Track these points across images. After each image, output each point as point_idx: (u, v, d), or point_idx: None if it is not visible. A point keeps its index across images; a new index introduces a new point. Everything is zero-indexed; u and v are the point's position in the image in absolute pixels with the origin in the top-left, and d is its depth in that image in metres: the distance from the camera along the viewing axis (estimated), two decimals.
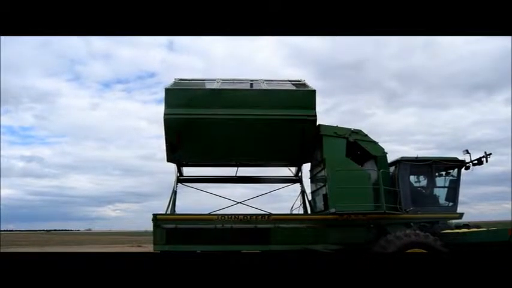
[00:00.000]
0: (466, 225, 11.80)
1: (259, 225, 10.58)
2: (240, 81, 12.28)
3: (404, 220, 11.05)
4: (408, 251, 9.58)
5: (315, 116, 10.97)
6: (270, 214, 11.00)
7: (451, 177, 11.90)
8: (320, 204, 11.93)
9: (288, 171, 13.50)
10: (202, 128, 10.94)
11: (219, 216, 10.69)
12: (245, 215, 10.75)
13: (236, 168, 13.16)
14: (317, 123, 11.27)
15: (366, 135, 11.67)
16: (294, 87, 11.75)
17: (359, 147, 11.57)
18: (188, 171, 13.29)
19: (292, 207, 12.70)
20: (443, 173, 11.99)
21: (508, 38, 6.26)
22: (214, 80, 12.01)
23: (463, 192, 11.92)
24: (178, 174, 12.62)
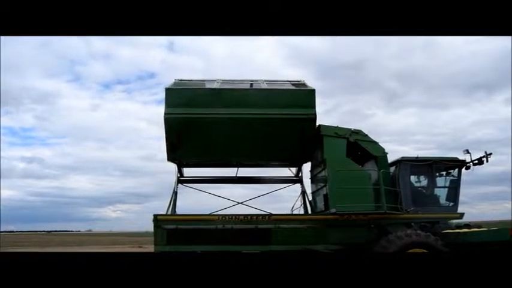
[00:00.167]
0: (467, 225, 11.80)
1: (259, 226, 10.59)
2: (240, 81, 12.29)
3: (405, 220, 11.05)
4: (409, 251, 9.59)
5: (315, 114, 10.97)
6: (271, 214, 11.00)
7: (451, 177, 11.90)
8: (320, 205, 11.93)
9: (288, 172, 13.51)
10: (203, 127, 10.95)
11: (220, 217, 10.70)
12: (246, 216, 10.75)
13: (236, 168, 13.18)
14: (317, 124, 11.29)
15: (366, 135, 11.68)
16: (293, 88, 11.76)
17: (359, 147, 11.58)
18: (189, 171, 13.30)
19: (292, 208, 12.72)
20: (444, 173, 11.99)
21: (508, 38, 6.26)
22: (214, 80, 12.03)
23: (464, 192, 11.94)
24: (178, 175, 12.61)
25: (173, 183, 12.34)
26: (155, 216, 10.53)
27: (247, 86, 11.79)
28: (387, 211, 10.48)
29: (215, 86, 11.50)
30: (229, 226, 10.50)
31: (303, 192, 13.06)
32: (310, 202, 12.89)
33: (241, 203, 12.29)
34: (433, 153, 12.35)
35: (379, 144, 11.74)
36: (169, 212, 11.44)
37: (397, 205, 10.96)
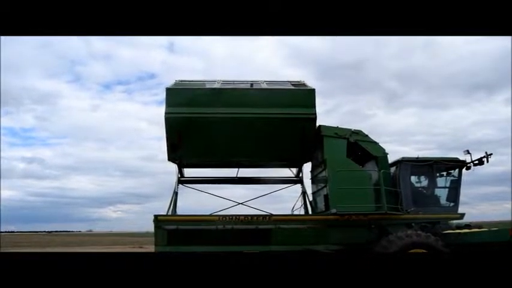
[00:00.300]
0: (467, 226, 11.79)
1: (260, 226, 10.58)
2: (240, 82, 12.31)
3: (405, 220, 11.04)
4: (409, 251, 9.58)
5: (315, 114, 10.99)
6: (271, 215, 11.00)
7: (452, 178, 11.89)
8: (321, 205, 11.93)
9: (288, 172, 13.52)
10: (203, 127, 10.97)
11: (220, 217, 10.69)
12: (246, 216, 10.75)
13: (237, 169, 13.18)
14: (318, 124, 11.30)
15: (367, 135, 11.69)
16: (293, 88, 11.78)
17: (360, 147, 11.58)
18: (189, 172, 13.31)
19: (293, 208, 12.72)
20: (444, 173, 11.98)
21: (508, 38, 6.26)
22: (215, 81, 12.05)
23: (464, 193, 11.93)
24: (179, 175, 12.61)
25: (174, 184, 12.34)
26: (156, 216, 10.53)
27: (248, 86, 11.80)
28: (388, 211, 10.47)
29: (215, 86, 11.52)
30: (229, 226, 10.50)
31: (304, 193, 13.06)
32: (310, 202, 12.89)
33: (241, 203, 12.30)
34: (433, 154, 12.33)
35: (380, 144, 11.74)
36: (169, 213, 11.44)
37: (397, 205, 10.96)
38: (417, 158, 11.68)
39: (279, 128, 11.00)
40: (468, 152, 11.36)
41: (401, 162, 11.63)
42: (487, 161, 11.11)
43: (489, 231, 10.42)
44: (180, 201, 12.16)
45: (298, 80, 12.46)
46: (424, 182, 12.07)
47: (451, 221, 11.80)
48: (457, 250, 9.88)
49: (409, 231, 10.08)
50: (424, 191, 12.02)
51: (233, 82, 12.22)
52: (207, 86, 11.68)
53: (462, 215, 11.58)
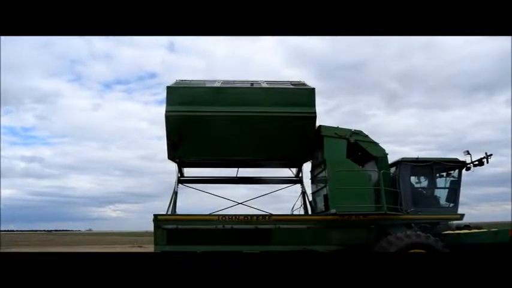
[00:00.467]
0: (467, 226, 11.78)
1: (259, 226, 10.59)
2: (241, 82, 12.32)
3: (405, 221, 11.03)
4: (409, 252, 9.57)
5: (315, 113, 11.01)
6: (271, 215, 11.01)
7: (451, 178, 11.88)
8: (321, 205, 11.93)
9: (288, 172, 13.53)
10: (203, 125, 11.00)
11: (220, 217, 10.70)
12: (246, 216, 10.76)
13: (237, 169, 13.18)
14: (318, 124, 11.31)
15: (367, 136, 11.69)
16: (294, 87, 11.80)
17: (360, 148, 11.59)
18: (189, 172, 13.31)
19: (292, 208, 12.73)
20: (444, 174, 11.98)
21: (508, 38, 6.26)
22: (215, 81, 12.06)
23: (464, 193, 11.93)
24: (179, 175, 12.62)
25: (173, 183, 12.35)
26: (155, 216, 10.54)
27: (248, 86, 11.82)
28: (387, 212, 10.48)
29: (216, 85, 11.56)
30: (229, 226, 10.51)
31: (303, 193, 13.07)
32: (310, 202, 12.89)
33: (241, 203, 12.31)
34: (433, 154, 12.32)
35: (380, 145, 11.74)
36: (169, 212, 11.44)
37: (397, 206, 10.96)
38: (417, 158, 11.68)
39: (279, 126, 11.02)
40: (468, 153, 11.36)
41: (401, 163, 11.62)
42: (487, 162, 11.11)
43: (489, 232, 10.42)
44: (180, 201, 12.19)
45: (298, 80, 12.47)
46: (424, 182, 12.06)
47: (451, 222, 11.79)
48: (457, 251, 9.87)
49: (408, 232, 10.08)
50: (424, 192, 12.02)
51: (233, 82, 12.23)
52: (208, 85, 11.70)
53: (462, 216, 11.59)
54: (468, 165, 11.49)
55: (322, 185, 11.72)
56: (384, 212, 10.45)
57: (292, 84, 12.08)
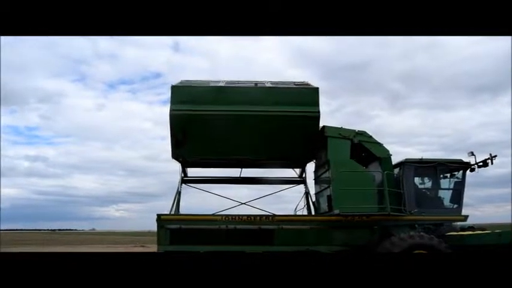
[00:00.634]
0: (471, 228, 11.74)
1: (263, 226, 10.59)
2: (245, 82, 12.32)
3: (408, 222, 11.01)
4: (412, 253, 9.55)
5: (318, 112, 11.01)
6: (274, 215, 11.01)
7: (455, 179, 11.84)
8: (324, 206, 11.92)
9: (292, 173, 13.52)
10: (207, 124, 11.02)
11: (223, 217, 10.71)
12: (249, 216, 10.76)
13: (240, 169, 13.18)
14: (322, 125, 11.30)
15: (371, 136, 11.67)
16: (297, 87, 11.81)
17: (363, 148, 11.57)
18: (192, 172, 13.32)
19: (296, 209, 12.74)
20: (448, 175, 11.94)
21: (508, 38, 6.25)
22: (219, 81, 12.08)
23: (468, 194, 11.89)
24: (182, 175, 12.64)
25: (177, 183, 12.36)
26: (159, 216, 10.55)
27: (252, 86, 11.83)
28: (391, 213, 10.45)
29: (220, 85, 11.57)
30: (232, 226, 10.51)
31: (307, 193, 13.07)
32: (313, 203, 12.89)
33: (244, 203, 12.32)
34: (437, 155, 12.29)
35: (383, 145, 11.72)
36: (172, 212, 11.45)
37: (400, 207, 10.93)
38: (421, 159, 11.65)
39: (283, 126, 11.03)
40: (472, 154, 11.32)
41: (405, 164, 11.60)
42: (492, 163, 11.06)
43: (492, 233, 10.38)
44: (183, 201, 12.22)
45: (302, 81, 12.46)
46: (428, 183, 12.03)
47: (455, 223, 11.76)
48: (459, 252, 9.84)
49: (412, 233, 10.07)
50: (428, 193, 11.99)
51: (237, 82, 12.24)
52: (212, 85, 11.72)
53: (466, 217, 11.55)
54: (472, 167, 11.46)
55: (326, 185, 11.71)
56: (387, 213, 10.42)
57: (295, 85, 12.08)
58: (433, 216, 11.31)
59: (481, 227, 11.73)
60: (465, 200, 11.73)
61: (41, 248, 36.44)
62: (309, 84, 11.97)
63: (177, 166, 12.44)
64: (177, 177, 12.49)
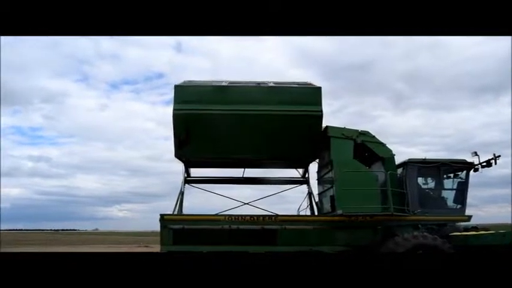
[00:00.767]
0: (475, 228, 11.71)
1: (266, 226, 10.58)
2: (247, 82, 12.33)
3: (412, 222, 10.98)
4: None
5: (321, 111, 11.02)
6: (277, 215, 11.01)
7: (459, 180, 11.81)
8: (327, 206, 11.90)
9: (295, 173, 13.52)
10: (210, 123, 11.04)
11: (226, 217, 10.71)
12: (252, 216, 10.76)
13: (243, 169, 13.19)
14: (325, 125, 11.30)
15: (374, 136, 11.66)
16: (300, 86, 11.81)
17: (367, 148, 11.56)
18: (195, 172, 13.33)
19: (299, 209, 12.72)
20: (452, 175, 11.91)
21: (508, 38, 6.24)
22: (222, 81, 12.09)
23: (471, 195, 11.84)
24: (185, 175, 12.66)
25: (180, 184, 12.38)
26: (162, 216, 10.57)
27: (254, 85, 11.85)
28: (394, 213, 10.44)
29: (223, 85, 11.60)
30: (235, 226, 10.51)
31: (310, 193, 13.05)
32: (316, 203, 12.88)
33: (247, 203, 12.33)
34: (440, 155, 12.27)
35: (387, 145, 11.70)
36: (175, 212, 11.47)
37: (404, 207, 10.92)
38: (424, 159, 11.62)
39: (285, 125, 11.05)
40: (476, 154, 11.28)
41: (408, 164, 11.57)
42: (495, 163, 11.02)
43: (496, 233, 10.36)
44: (186, 201, 12.22)
45: (304, 81, 12.46)
46: (431, 183, 12.00)
47: (459, 223, 11.73)
48: (463, 252, 9.82)
49: (415, 233, 10.05)
50: (431, 193, 11.96)
51: (240, 83, 12.25)
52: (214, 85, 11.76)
53: (469, 217, 11.51)
54: (476, 167, 11.42)
55: (329, 185, 11.70)
56: (390, 213, 10.41)
57: (298, 85, 12.08)
58: (436, 217, 11.28)
59: (485, 228, 11.71)
60: (469, 200, 11.70)
61: (44, 248, 36.54)
62: (312, 84, 11.97)
63: (180, 166, 12.47)
64: (180, 178, 12.52)
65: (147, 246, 36.33)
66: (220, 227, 10.52)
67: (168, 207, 12.06)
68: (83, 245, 45.51)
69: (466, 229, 11.57)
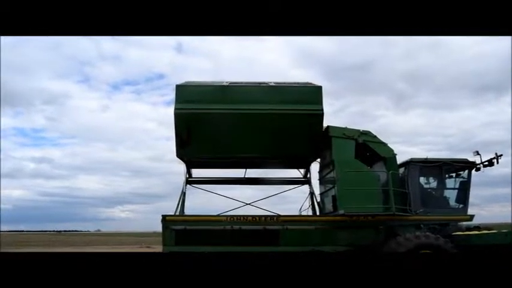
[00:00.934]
0: (477, 227, 11.69)
1: (268, 227, 10.58)
2: (248, 83, 12.33)
3: (414, 222, 10.98)
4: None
5: (322, 110, 11.02)
6: (279, 215, 11.01)
7: (461, 179, 11.80)
8: (329, 206, 11.90)
9: (296, 173, 13.51)
10: (211, 122, 11.05)
11: (228, 218, 10.72)
12: (254, 216, 10.77)
13: (245, 169, 13.19)
14: (326, 125, 11.29)
15: (375, 136, 11.65)
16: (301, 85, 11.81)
17: (368, 148, 11.56)
18: (197, 172, 13.33)
19: (300, 209, 12.71)
20: (453, 174, 11.89)
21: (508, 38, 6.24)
22: (223, 82, 12.10)
23: (474, 194, 11.83)
24: (187, 176, 12.65)
25: (182, 184, 12.37)
26: (164, 216, 10.57)
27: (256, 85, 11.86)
28: (396, 213, 10.42)
29: (224, 84, 11.62)
30: (237, 227, 10.51)
31: (311, 194, 13.04)
32: (318, 203, 12.86)
33: (249, 204, 12.32)
34: (442, 155, 12.25)
35: (388, 145, 11.69)
36: (177, 213, 11.45)
37: (406, 207, 10.91)
38: (426, 159, 11.61)
39: (286, 124, 11.05)
40: (478, 153, 11.27)
41: (410, 163, 11.56)
42: (497, 162, 11.00)
43: (498, 233, 10.34)
44: (188, 202, 12.21)
45: (305, 82, 12.45)
46: (433, 183, 11.99)
47: (461, 223, 11.71)
48: (465, 252, 9.81)
49: (417, 233, 10.04)
50: (433, 192, 11.95)
51: (241, 83, 12.25)
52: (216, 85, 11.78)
53: (472, 217, 11.50)
54: (478, 166, 11.41)
55: (331, 185, 11.69)
56: (392, 213, 10.40)
57: (298, 85, 12.08)
58: (438, 216, 11.27)
59: (487, 227, 11.68)
60: (471, 199, 11.70)
61: (46, 249, 36.59)
62: (312, 84, 11.97)
63: (181, 167, 12.48)
64: (182, 178, 12.51)
65: (149, 247, 36.32)
66: (222, 227, 10.52)
67: (170, 207, 12.04)
68: (86, 246, 45.54)
69: (469, 228, 11.55)
